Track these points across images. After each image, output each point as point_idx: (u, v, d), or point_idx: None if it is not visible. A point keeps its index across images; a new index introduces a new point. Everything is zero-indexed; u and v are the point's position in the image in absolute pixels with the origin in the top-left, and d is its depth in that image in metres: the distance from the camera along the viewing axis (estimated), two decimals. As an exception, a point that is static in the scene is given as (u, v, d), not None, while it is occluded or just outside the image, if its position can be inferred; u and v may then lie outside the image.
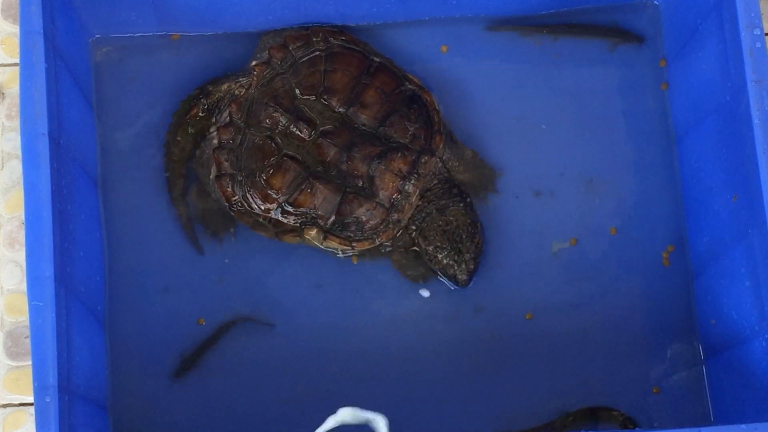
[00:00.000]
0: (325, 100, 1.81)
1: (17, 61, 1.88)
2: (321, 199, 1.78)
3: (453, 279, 1.81)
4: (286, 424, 1.78)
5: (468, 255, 1.80)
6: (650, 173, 1.89)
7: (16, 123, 1.87)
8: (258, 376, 1.80)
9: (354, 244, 1.79)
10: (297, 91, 1.82)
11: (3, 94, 1.90)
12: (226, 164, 1.82)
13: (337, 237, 1.79)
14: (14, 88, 1.89)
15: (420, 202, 1.81)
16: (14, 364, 1.80)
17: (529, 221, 1.87)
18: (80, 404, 1.61)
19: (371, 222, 1.79)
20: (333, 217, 1.78)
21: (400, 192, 1.79)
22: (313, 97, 1.82)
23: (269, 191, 1.79)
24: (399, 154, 1.79)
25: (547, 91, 1.92)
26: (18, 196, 1.85)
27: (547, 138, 1.90)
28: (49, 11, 1.64)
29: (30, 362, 1.57)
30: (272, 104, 1.81)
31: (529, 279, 1.85)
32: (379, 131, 1.80)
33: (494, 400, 1.80)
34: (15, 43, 1.91)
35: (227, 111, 1.84)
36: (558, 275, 1.85)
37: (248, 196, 1.80)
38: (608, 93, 1.92)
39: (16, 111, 1.88)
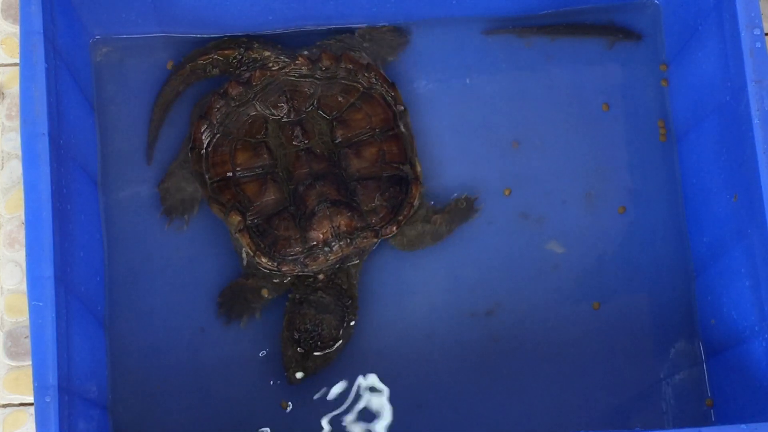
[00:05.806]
0: (332, 126, 1.81)
1: (17, 61, 1.88)
2: (263, 198, 1.77)
3: (285, 369, 1.78)
4: (288, 421, 1.78)
5: (311, 364, 1.78)
6: (650, 173, 1.89)
7: (16, 123, 1.87)
8: (259, 374, 1.80)
9: (258, 253, 1.77)
10: (316, 101, 1.83)
11: (3, 94, 1.90)
12: (215, 112, 1.82)
13: (250, 238, 1.77)
14: (14, 88, 1.89)
15: (323, 278, 1.79)
16: (14, 364, 1.80)
17: (527, 224, 1.87)
18: (80, 404, 1.61)
19: (285, 249, 1.76)
20: (259, 220, 1.77)
21: (324, 243, 1.76)
22: (325, 116, 1.82)
23: (229, 160, 1.79)
24: (348, 213, 1.77)
25: (545, 92, 1.92)
26: (18, 196, 1.85)
27: (545, 139, 1.90)
28: (49, 11, 1.64)
29: (30, 362, 1.57)
30: (288, 95, 1.82)
31: (530, 282, 1.84)
32: (351, 184, 1.79)
33: (494, 401, 1.80)
34: (15, 43, 1.91)
35: (250, 74, 1.83)
36: (558, 278, 1.85)
37: (210, 150, 1.81)
38: (608, 93, 1.91)
39: (16, 111, 1.88)
